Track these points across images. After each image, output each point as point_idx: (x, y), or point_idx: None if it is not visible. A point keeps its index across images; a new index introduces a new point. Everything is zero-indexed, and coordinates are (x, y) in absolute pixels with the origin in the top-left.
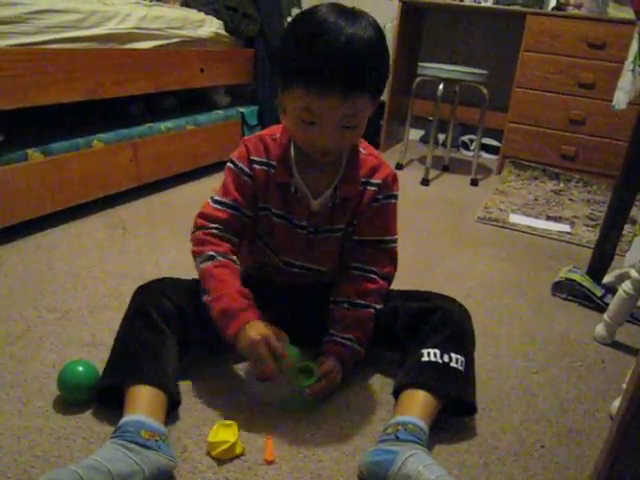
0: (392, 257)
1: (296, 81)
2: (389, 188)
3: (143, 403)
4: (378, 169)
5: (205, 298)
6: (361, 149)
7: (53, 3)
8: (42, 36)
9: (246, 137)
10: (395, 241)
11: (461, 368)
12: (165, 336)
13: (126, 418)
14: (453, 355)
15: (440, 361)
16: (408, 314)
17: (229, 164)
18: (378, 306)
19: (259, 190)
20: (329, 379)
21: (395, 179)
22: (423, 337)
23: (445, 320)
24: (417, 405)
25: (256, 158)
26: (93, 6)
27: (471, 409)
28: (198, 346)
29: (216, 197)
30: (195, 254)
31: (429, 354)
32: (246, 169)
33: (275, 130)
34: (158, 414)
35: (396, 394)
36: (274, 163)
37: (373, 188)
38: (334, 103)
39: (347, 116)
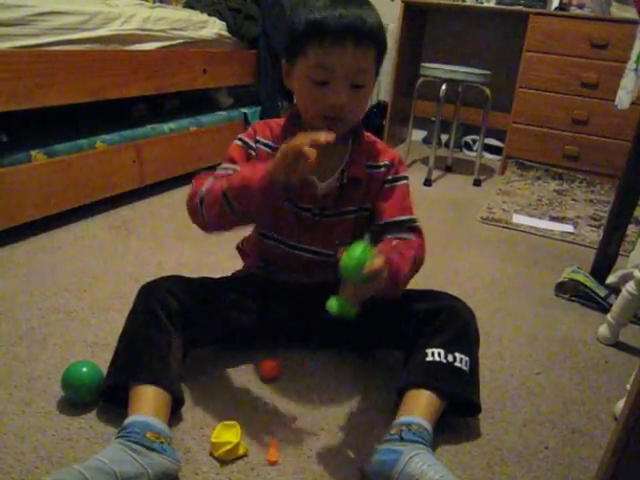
0: (420, 233)
1: (308, 39)
2: (397, 169)
3: (148, 403)
4: (384, 152)
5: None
6: (366, 135)
7: (57, 5)
8: (46, 38)
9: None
10: (417, 220)
11: (465, 368)
12: (171, 335)
13: (132, 418)
14: (457, 355)
15: (444, 361)
16: (419, 315)
17: (235, 141)
18: (416, 257)
19: None
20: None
21: (401, 161)
22: (428, 336)
23: (450, 320)
24: (421, 405)
25: (262, 139)
26: (96, 8)
27: (475, 409)
28: (202, 346)
29: (219, 167)
30: (191, 199)
31: (433, 354)
32: (252, 144)
33: (281, 120)
34: (163, 415)
35: (400, 393)
36: (278, 145)
37: (381, 169)
38: (346, 53)
39: (357, 71)
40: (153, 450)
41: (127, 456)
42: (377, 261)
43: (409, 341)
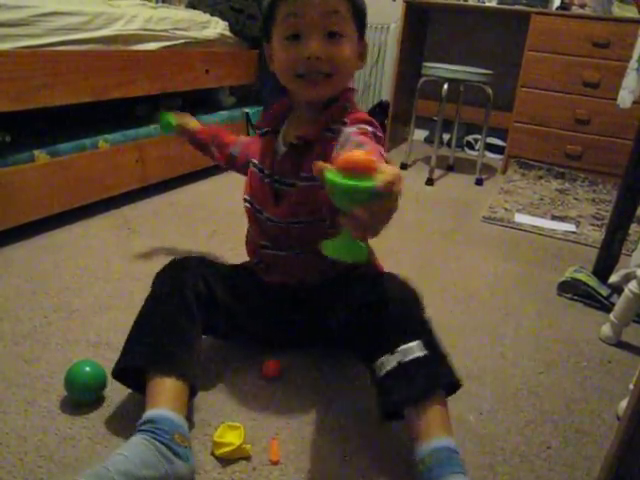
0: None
1: (278, 1)
2: (356, 122)
3: (175, 398)
4: (352, 114)
5: None
6: (353, 108)
7: (59, 6)
8: (49, 38)
9: None
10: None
11: (423, 353)
12: (196, 322)
13: (160, 412)
14: (405, 346)
15: (396, 364)
16: (345, 315)
17: None
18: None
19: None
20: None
21: (371, 122)
22: (367, 343)
23: (379, 314)
24: (430, 421)
25: (263, 129)
26: (100, 8)
27: (454, 387)
28: (217, 336)
29: None
30: None
31: (383, 364)
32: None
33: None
34: (185, 411)
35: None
36: (270, 129)
37: (338, 125)
38: None
39: (328, 12)
40: (180, 457)
41: (156, 460)
42: (388, 169)
43: (348, 347)
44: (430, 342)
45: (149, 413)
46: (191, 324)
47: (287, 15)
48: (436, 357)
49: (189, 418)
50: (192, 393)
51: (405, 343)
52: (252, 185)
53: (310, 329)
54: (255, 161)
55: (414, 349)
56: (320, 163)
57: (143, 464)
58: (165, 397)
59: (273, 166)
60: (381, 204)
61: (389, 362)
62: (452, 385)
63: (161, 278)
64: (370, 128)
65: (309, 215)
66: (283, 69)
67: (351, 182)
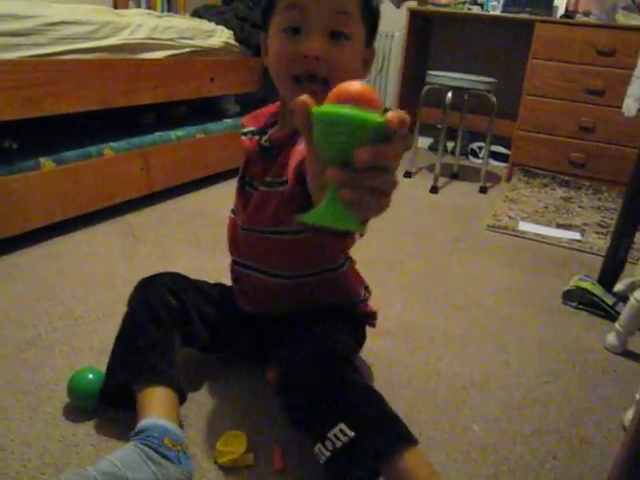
0: None
1: None
2: None
3: (162, 405)
4: None
5: None
6: None
7: (67, 15)
8: (56, 47)
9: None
10: None
11: (351, 435)
12: (171, 332)
13: (149, 420)
14: (332, 432)
15: (329, 454)
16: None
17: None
18: None
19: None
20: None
21: None
22: (297, 423)
23: (292, 400)
24: None
25: (246, 129)
26: (106, 17)
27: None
28: (201, 350)
29: None
30: None
31: (318, 454)
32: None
33: (272, 106)
34: (175, 417)
35: None
36: (266, 131)
37: None
38: None
39: (337, 11)
40: (169, 460)
41: (142, 462)
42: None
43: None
44: (357, 417)
45: (139, 424)
46: (165, 335)
47: (289, 5)
48: (369, 431)
49: (191, 426)
50: (181, 399)
51: (330, 428)
52: (237, 199)
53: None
54: (242, 173)
55: (341, 433)
56: (302, 100)
57: (127, 466)
58: (153, 405)
59: (247, 169)
60: (388, 149)
61: (323, 452)
62: (401, 446)
63: (132, 298)
64: None
65: (262, 223)
66: (277, 65)
67: (353, 111)
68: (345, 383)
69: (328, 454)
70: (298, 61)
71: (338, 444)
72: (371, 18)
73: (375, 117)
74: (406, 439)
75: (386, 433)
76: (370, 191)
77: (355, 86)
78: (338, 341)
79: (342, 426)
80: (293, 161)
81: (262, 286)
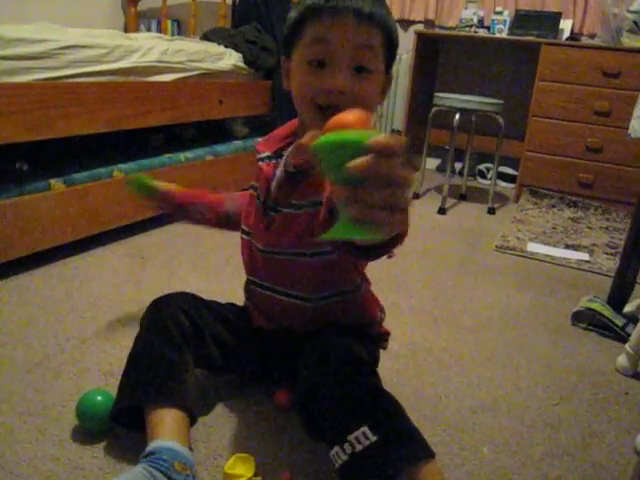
0: None
1: (306, 19)
2: None
3: (172, 427)
4: None
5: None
6: None
7: (79, 39)
8: (68, 70)
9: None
10: None
11: (373, 438)
12: (185, 353)
13: (159, 443)
14: (353, 435)
15: (347, 458)
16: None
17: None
18: None
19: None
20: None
21: None
22: (317, 426)
23: (320, 395)
24: None
25: (261, 154)
26: (117, 41)
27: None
28: (208, 368)
29: None
30: None
31: (335, 457)
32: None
33: (283, 129)
34: (186, 439)
35: None
36: (281, 155)
37: None
38: (347, 26)
39: (361, 47)
40: None
41: None
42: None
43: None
44: (381, 421)
45: (149, 446)
46: (178, 356)
47: (315, 39)
48: (391, 437)
49: (199, 449)
50: (192, 421)
51: (352, 431)
52: (248, 212)
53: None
54: (255, 184)
55: (363, 436)
56: (310, 136)
57: None
58: (164, 427)
59: (268, 192)
60: (379, 162)
61: (340, 456)
62: (419, 458)
63: (145, 318)
64: None
65: (285, 245)
66: (301, 94)
67: (336, 136)
68: (371, 388)
69: (345, 457)
70: (322, 93)
71: (358, 447)
72: (392, 49)
73: (356, 136)
74: (426, 451)
75: (406, 442)
76: (381, 207)
77: (348, 116)
78: (362, 351)
79: (365, 429)
80: (326, 193)
81: (280, 305)
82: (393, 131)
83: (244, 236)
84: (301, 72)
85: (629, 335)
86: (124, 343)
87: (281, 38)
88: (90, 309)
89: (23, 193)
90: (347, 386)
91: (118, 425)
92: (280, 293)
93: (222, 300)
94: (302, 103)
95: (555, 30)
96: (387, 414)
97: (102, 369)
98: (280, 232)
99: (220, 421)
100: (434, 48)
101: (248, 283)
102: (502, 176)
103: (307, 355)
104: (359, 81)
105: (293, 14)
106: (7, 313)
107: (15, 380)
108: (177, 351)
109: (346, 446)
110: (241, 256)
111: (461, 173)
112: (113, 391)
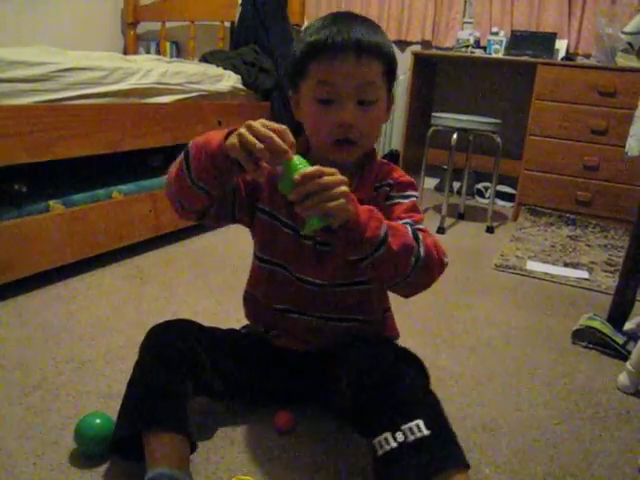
0: (428, 232)
1: (309, 58)
2: (404, 187)
3: (171, 454)
4: (392, 172)
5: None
6: (382, 161)
7: (79, 61)
8: (67, 92)
9: None
10: (423, 224)
11: (427, 432)
12: (183, 380)
13: (158, 471)
14: (407, 426)
15: (396, 445)
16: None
17: None
18: (421, 239)
19: (265, 190)
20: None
21: (411, 183)
22: (366, 418)
23: (380, 388)
24: None
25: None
26: (116, 63)
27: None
28: (207, 395)
29: None
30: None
31: (382, 443)
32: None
33: None
34: (186, 465)
35: None
36: None
37: (384, 188)
38: (348, 66)
39: (362, 84)
40: None
41: None
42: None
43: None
44: (435, 419)
45: (149, 473)
46: (176, 383)
47: (321, 81)
48: (441, 436)
49: (199, 471)
50: (192, 447)
51: (407, 422)
52: (277, 244)
53: (312, 394)
54: (286, 220)
55: (416, 428)
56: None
57: None
58: (163, 454)
59: (274, 192)
60: (305, 185)
61: (389, 442)
62: (460, 465)
63: (144, 345)
64: (415, 193)
65: (352, 276)
66: (315, 131)
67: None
68: (424, 385)
69: (394, 445)
70: (335, 127)
71: (410, 438)
72: (392, 74)
73: (293, 174)
74: (465, 460)
75: (453, 446)
76: (319, 203)
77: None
78: (408, 351)
79: (419, 422)
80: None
81: (314, 328)
82: (392, 151)
83: (265, 265)
84: (311, 109)
85: (630, 353)
86: (123, 366)
87: (280, 62)
88: (89, 331)
89: (22, 214)
90: (403, 379)
91: (117, 455)
92: (321, 317)
93: (222, 320)
94: (317, 136)
95: (550, 50)
96: (439, 414)
97: (101, 392)
98: (336, 265)
99: (219, 445)
100: (431, 68)
101: (272, 310)
102: (500, 195)
103: (352, 352)
104: (364, 112)
105: (297, 51)
106: (5, 335)
107: (13, 403)
108: (176, 378)
109: (398, 434)
110: (256, 285)
111: (459, 192)
112: (112, 414)
